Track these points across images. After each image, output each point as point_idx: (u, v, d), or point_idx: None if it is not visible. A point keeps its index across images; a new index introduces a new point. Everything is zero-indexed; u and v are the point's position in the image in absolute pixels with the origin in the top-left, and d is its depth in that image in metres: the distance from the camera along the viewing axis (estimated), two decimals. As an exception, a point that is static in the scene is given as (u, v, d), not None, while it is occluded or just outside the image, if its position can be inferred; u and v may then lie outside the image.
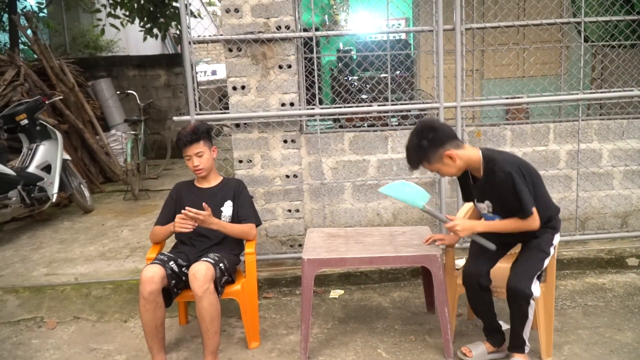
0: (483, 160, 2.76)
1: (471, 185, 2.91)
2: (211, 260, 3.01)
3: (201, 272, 2.90)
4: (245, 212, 3.36)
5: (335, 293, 4.03)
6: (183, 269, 3.08)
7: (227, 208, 3.34)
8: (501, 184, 2.69)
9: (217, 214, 3.30)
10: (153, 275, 2.91)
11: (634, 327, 3.34)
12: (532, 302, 2.76)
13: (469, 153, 2.77)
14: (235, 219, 3.36)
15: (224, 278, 3.10)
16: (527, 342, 2.86)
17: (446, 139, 2.72)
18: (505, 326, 3.05)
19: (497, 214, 2.85)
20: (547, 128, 4.36)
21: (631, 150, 4.41)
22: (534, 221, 2.73)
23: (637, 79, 4.43)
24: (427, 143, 2.71)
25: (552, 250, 2.85)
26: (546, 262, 2.83)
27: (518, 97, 4.28)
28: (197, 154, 3.25)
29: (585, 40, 4.37)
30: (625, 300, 3.71)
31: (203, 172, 3.31)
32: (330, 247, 3.16)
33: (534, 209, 2.70)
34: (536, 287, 2.77)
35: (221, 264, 3.07)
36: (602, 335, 3.25)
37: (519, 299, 2.74)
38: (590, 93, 4.36)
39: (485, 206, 2.89)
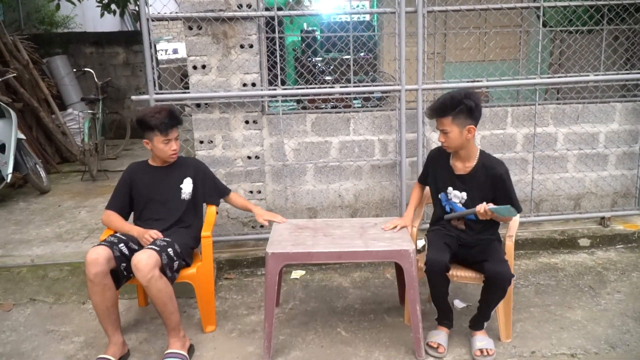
0: (480, 154, 3.01)
1: (451, 173, 3.07)
2: (156, 248, 2.92)
3: (142, 262, 2.80)
4: (220, 186, 3.53)
5: (297, 274, 4.06)
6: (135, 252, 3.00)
7: (187, 185, 3.31)
8: (493, 178, 2.93)
9: (177, 190, 3.28)
10: (97, 257, 2.83)
11: (583, 305, 3.47)
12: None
13: (474, 143, 3.00)
14: (201, 196, 3.40)
15: (176, 263, 3.01)
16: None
17: (478, 119, 2.91)
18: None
19: (465, 207, 3.02)
20: (505, 112, 4.44)
21: (585, 135, 4.54)
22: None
23: (593, 64, 4.53)
24: (470, 106, 2.84)
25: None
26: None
27: (478, 81, 4.34)
28: (176, 137, 3.24)
29: (544, 25, 4.45)
30: (576, 280, 3.85)
31: (177, 156, 3.30)
32: (297, 240, 3.01)
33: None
34: None
35: (169, 249, 2.96)
36: (553, 313, 3.37)
37: (505, 283, 2.84)
38: (548, 78, 4.45)
39: (460, 197, 3.03)
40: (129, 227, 3.17)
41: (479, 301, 3.00)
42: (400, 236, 3.05)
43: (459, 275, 3.03)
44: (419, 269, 3.11)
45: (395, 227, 3.17)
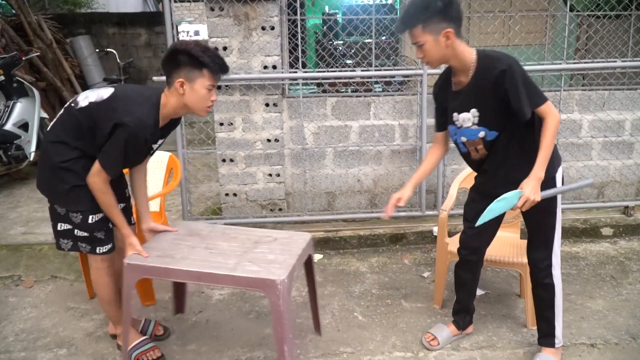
0: (477, 59, 2.36)
1: (452, 93, 2.50)
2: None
3: None
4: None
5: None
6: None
7: (157, 145, 2.72)
8: (495, 79, 2.28)
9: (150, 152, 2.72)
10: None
11: (604, 295, 3.42)
12: (554, 282, 2.56)
13: (463, 48, 2.36)
14: None
15: None
16: (557, 334, 2.64)
17: (456, 20, 2.31)
18: (480, 292, 3.09)
19: (482, 126, 2.42)
20: (529, 97, 4.36)
21: (611, 122, 4.45)
22: (554, 111, 2.33)
23: (621, 50, 4.43)
24: (440, 5, 2.25)
25: (559, 208, 2.52)
26: (558, 225, 2.54)
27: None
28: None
29: (571, 10, 4.35)
30: (598, 269, 3.79)
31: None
32: (169, 251, 2.60)
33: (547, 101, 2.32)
34: (557, 259, 2.57)
35: None
36: (573, 302, 3.32)
37: (539, 276, 2.58)
38: (574, 63, 4.36)
39: (471, 116, 2.42)
40: (124, 225, 2.63)
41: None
42: (282, 260, 2.50)
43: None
44: (449, 252, 3.05)
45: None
